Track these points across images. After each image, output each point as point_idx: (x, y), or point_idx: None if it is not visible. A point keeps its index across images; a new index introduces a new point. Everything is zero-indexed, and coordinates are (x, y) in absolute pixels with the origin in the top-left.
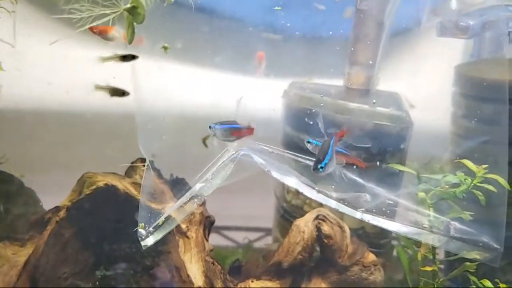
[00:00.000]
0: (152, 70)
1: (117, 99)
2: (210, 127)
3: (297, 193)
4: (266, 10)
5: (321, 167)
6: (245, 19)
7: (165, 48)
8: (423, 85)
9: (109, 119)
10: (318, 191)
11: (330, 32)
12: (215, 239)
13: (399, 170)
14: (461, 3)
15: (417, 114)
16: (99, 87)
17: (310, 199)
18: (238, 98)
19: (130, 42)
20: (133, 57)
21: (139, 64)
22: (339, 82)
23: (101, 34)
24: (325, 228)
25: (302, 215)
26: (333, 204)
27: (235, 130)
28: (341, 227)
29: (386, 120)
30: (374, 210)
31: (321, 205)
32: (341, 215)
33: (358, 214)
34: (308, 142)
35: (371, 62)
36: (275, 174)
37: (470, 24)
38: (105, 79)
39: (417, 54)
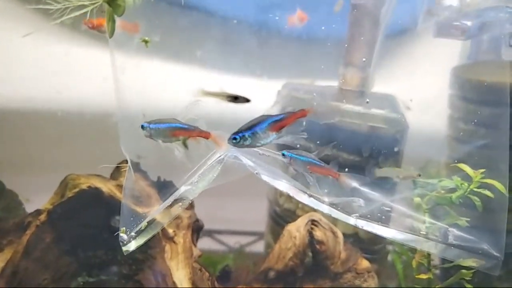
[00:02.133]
0: (131, 66)
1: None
2: (142, 126)
3: (290, 196)
4: (258, 9)
5: (234, 138)
6: (232, 15)
7: (145, 41)
8: (418, 87)
9: (99, 119)
10: (310, 196)
11: (323, 27)
12: (206, 243)
13: None
14: (459, 3)
15: (412, 117)
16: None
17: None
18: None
19: (110, 35)
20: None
21: (119, 59)
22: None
23: (97, 27)
24: (318, 233)
25: (295, 220)
26: (325, 209)
27: (177, 130)
28: (334, 233)
29: (381, 122)
30: (369, 216)
31: (313, 211)
32: (334, 220)
33: (351, 220)
34: (283, 155)
35: (366, 62)
36: (264, 177)
37: (467, 25)
38: (95, 77)
39: (412, 55)
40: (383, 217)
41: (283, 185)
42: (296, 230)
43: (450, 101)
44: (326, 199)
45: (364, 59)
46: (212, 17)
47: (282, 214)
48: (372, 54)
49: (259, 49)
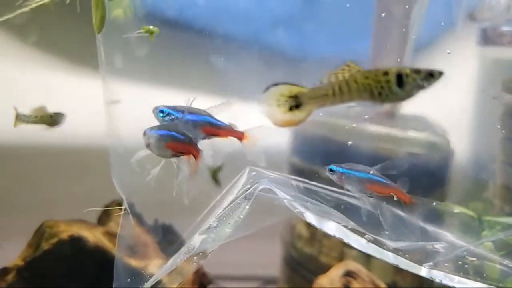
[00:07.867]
0: (128, 96)
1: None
2: (144, 133)
3: (311, 239)
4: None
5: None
6: (239, 39)
7: (150, 32)
8: (448, 105)
9: (79, 153)
10: (369, 240)
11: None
12: None
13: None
14: (507, 5)
15: None
16: None
17: (329, 248)
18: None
19: (98, 31)
20: None
21: (114, 89)
22: None
23: None
24: (357, 287)
25: (317, 267)
26: (390, 257)
27: (171, 141)
28: (376, 286)
29: (421, 148)
30: (447, 265)
31: (341, 256)
32: (368, 265)
33: (423, 271)
34: (331, 170)
35: None
36: (309, 217)
37: None
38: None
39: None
40: (466, 265)
41: (333, 228)
42: (329, 283)
43: (504, 120)
44: (390, 244)
45: None
46: (209, 37)
47: (300, 260)
48: None
49: (265, 69)
